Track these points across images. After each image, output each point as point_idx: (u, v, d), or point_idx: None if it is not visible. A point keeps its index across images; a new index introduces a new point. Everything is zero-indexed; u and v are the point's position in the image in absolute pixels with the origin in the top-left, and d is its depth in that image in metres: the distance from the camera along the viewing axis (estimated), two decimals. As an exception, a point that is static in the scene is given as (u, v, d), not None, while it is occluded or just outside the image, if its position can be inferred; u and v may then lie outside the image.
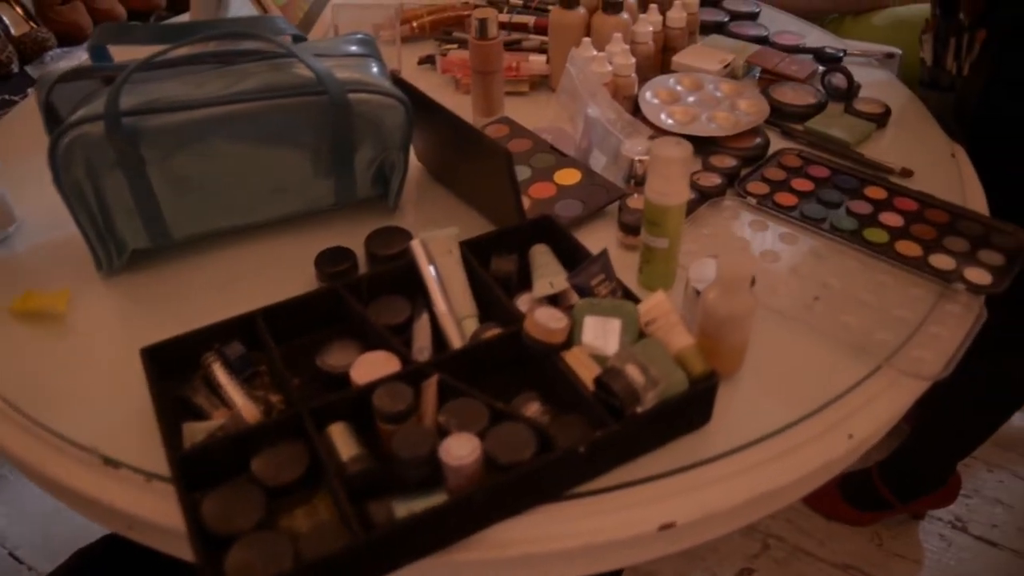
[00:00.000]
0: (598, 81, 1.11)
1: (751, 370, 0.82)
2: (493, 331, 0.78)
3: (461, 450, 0.65)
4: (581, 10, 1.23)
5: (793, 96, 1.22)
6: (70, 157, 0.84)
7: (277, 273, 0.93)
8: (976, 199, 1.06)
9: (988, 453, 1.78)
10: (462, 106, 1.19)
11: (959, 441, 1.54)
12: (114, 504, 0.71)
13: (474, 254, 0.85)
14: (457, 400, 0.71)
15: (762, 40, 1.37)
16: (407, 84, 0.97)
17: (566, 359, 0.74)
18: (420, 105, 0.95)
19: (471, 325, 0.80)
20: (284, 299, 0.81)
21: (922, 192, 1.04)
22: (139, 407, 0.77)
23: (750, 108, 1.17)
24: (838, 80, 1.25)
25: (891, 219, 1.00)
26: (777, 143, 1.15)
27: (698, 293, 0.79)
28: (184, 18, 1.42)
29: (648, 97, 1.18)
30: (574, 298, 0.79)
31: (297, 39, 0.96)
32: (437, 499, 0.66)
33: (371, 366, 0.75)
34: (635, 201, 0.95)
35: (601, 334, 0.74)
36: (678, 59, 1.27)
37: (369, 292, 0.83)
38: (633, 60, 1.15)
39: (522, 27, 1.40)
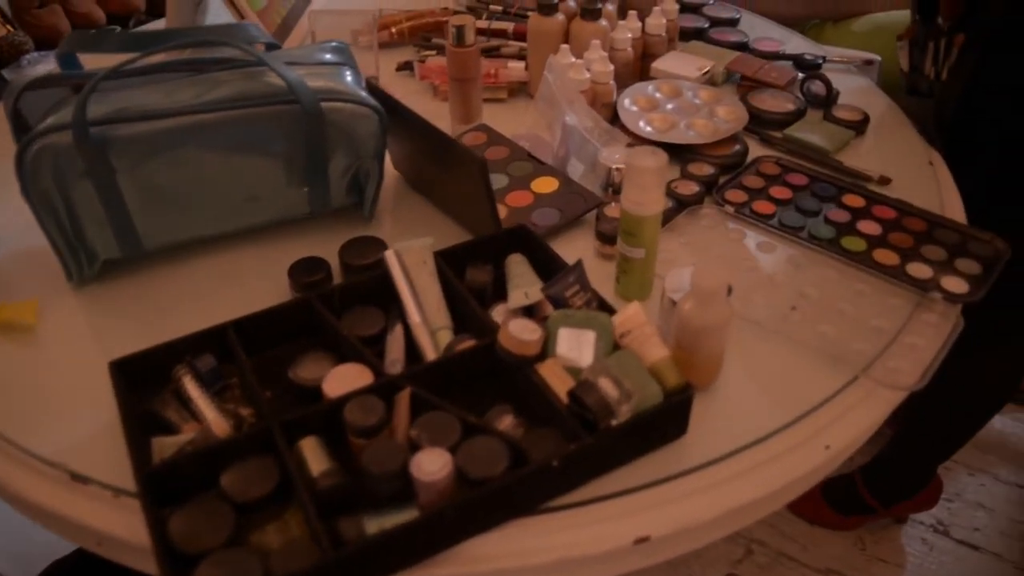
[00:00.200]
0: (575, 88, 1.10)
1: (727, 381, 0.81)
2: (467, 343, 0.77)
3: (432, 465, 0.64)
4: (560, 16, 1.22)
5: (772, 103, 1.22)
6: (38, 166, 0.82)
7: (252, 283, 0.92)
8: (954, 206, 1.06)
9: (969, 457, 1.79)
10: (440, 113, 1.19)
11: (940, 445, 1.55)
12: (82, 520, 0.70)
13: (449, 264, 0.84)
14: (429, 413, 0.71)
15: (742, 46, 1.37)
16: (382, 92, 0.96)
17: (540, 371, 0.73)
18: (395, 113, 0.95)
19: (445, 336, 0.79)
20: (256, 310, 0.80)
21: (900, 200, 1.04)
22: (109, 421, 0.76)
23: (729, 115, 1.17)
24: (817, 87, 1.25)
25: (869, 227, 1.00)
26: (756, 150, 1.15)
27: (674, 303, 0.79)
28: (162, 23, 1.40)
29: (627, 104, 1.17)
30: (549, 309, 0.79)
31: (271, 47, 0.95)
32: (409, 515, 0.65)
33: (343, 379, 0.74)
34: (612, 210, 0.95)
35: (575, 346, 0.74)
36: (657, 66, 1.27)
37: (342, 303, 0.83)
38: (611, 67, 1.15)
39: (501, 33, 1.39)
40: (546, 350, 0.74)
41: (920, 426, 1.51)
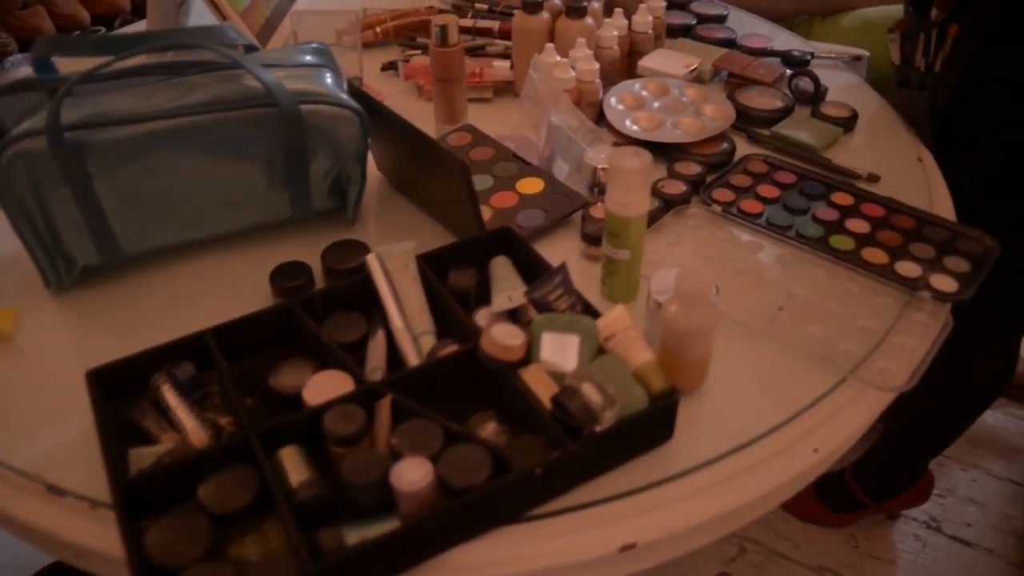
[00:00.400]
0: (560, 88, 1.09)
1: (714, 384, 0.80)
2: (450, 348, 0.76)
3: (413, 475, 0.63)
4: (545, 15, 1.21)
5: (760, 100, 1.21)
6: (12, 172, 0.81)
7: (233, 288, 0.91)
8: (942, 203, 1.06)
9: (961, 452, 1.79)
10: (425, 113, 1.17)
11: (930, 442, 1.54)
12: (59, 533, 0.69)
13: (432, 268, 0.83)
14: (411, 421, 0.69)
15: (730, 43, 1.36)
16: (363, 94, 0.95)
17: (523, 377, 0.72)
18: (377, 115, 0.93)
19: (428, 342, 0.78)
20: (236, 317, 0.79)
21: (889, 197, 1.03)
22: (86, 431, 0.74)
23: (716, 113, 1.16)
24: (805, 84, 1.24)
25: (858, 225, 0.99)
26: (743, 148, 1.14)
27: (660, 305, 0.78)
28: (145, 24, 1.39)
29: (613, 103, 1.16)
30: (533, 313, 0.78)
31: (250, 49, 0.93)
32: (390, 525, 0.64)
33: (324, 386, 0.73)
34: (598, 210, 0.94)
35: (559, 350, 0.73)
36: (644, 63, 1.26)
37: (324, 308, 0.81)
38: (597, 66, 1.13)
39: (487, 32, 1.38)
40: (530, 355, 0.73)
41: (910, 423, 1.50)
